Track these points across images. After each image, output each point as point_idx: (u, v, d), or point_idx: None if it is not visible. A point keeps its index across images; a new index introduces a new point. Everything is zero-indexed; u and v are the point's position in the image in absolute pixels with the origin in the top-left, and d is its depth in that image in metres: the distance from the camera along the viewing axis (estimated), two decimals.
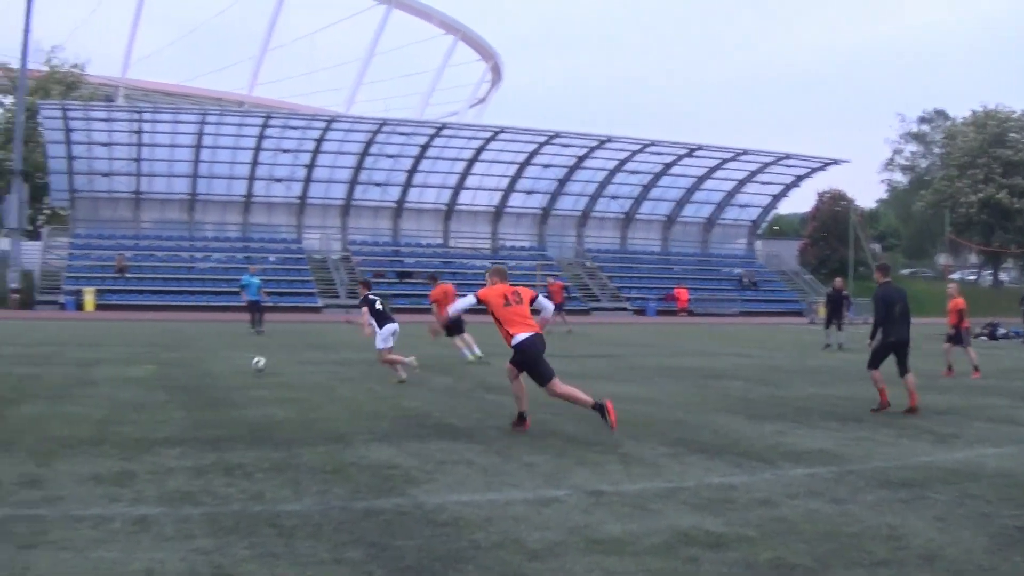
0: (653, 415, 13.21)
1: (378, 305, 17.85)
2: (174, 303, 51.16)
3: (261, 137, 60.60)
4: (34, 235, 66.91)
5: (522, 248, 69.94)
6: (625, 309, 63.18)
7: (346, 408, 13.40)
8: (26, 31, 53.88)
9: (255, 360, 18.55)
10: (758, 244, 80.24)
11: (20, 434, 10.64)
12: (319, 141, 61.66)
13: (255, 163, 62.64)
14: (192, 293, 53.99)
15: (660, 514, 7.37)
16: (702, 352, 27.79)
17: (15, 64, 60.40)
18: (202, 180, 63.51)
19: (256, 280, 34.53)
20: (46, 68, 72.97)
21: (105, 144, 60.09)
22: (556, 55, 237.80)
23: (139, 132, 59.43)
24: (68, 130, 57.92)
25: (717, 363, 23.48)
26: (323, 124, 61.86)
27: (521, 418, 11.80)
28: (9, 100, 69.01)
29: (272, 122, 60.70)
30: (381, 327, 17.33)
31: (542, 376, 11.67)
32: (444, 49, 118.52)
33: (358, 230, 67.78)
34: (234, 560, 5.99)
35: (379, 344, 17.44)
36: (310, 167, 63.71)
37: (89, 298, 51.20)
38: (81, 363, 19.94)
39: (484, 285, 12.25)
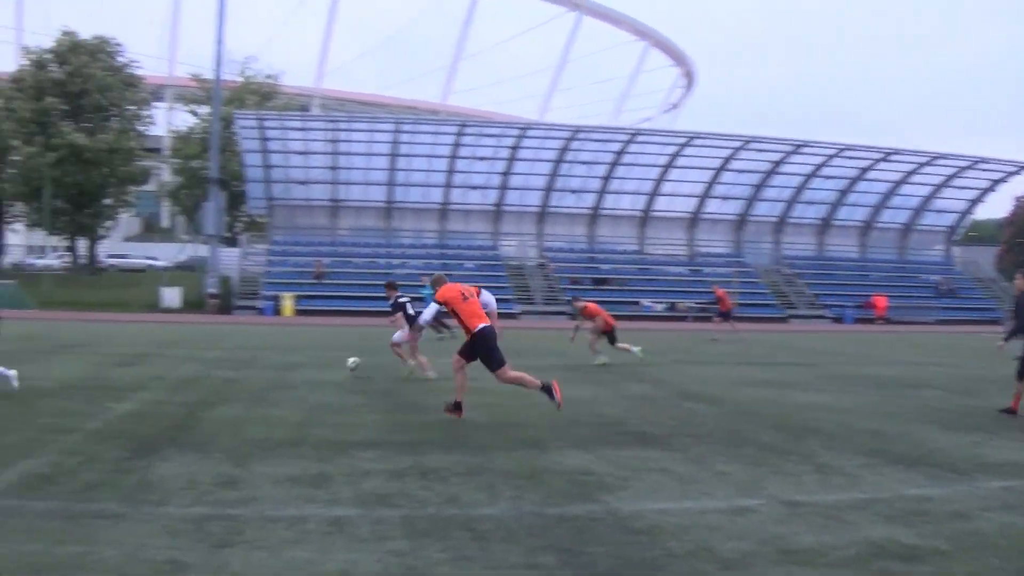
0: (850, 424, 12.97)
1: (409, 309, 19.35)
2: (371, 309, 52.17)
3: (456, 145, 61.43)
4: (232, 242, 69.39)
5: (719, 255, 69.00)
6: (822, 317, 61.65)
7: (541, 414, 13.41)
8: (219, 43, 55.93)
9: (350, 360, 19.39)
10: (955, 250, 77.21)
11: (218, 436, 11.02)
12: (514, 149, 62.12)
13: (451, 171, 63.54)
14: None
15: (854, 526, 7.29)
16: (899, 361, 26.94)
17: (210, 75, 62.79)
18: (398, 188, 64.73)
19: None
20: (241, 79, 75.61)
21: (301, 153, 61.85)
22: (748, 59, 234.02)
23: (335, 141, 60.96)
24: (264, 139, 59.85)
25: (914, 372, 22.90)
26: (517, 132, 62.38)
27: (458, 406, 12.93)
28: (205, 110, 71.69)
29: (467, 130, 61.39)
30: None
31: (495, 362, 12.81)
32: (636, 55, 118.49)
33: (554, 237, 67.95)
34: (428, 563, 6.05)
35: (397, 337, 19.06)
36: (505, 174, 64.25)
37: (288, 303, 52.71)
38: (279, 367, 20.52)
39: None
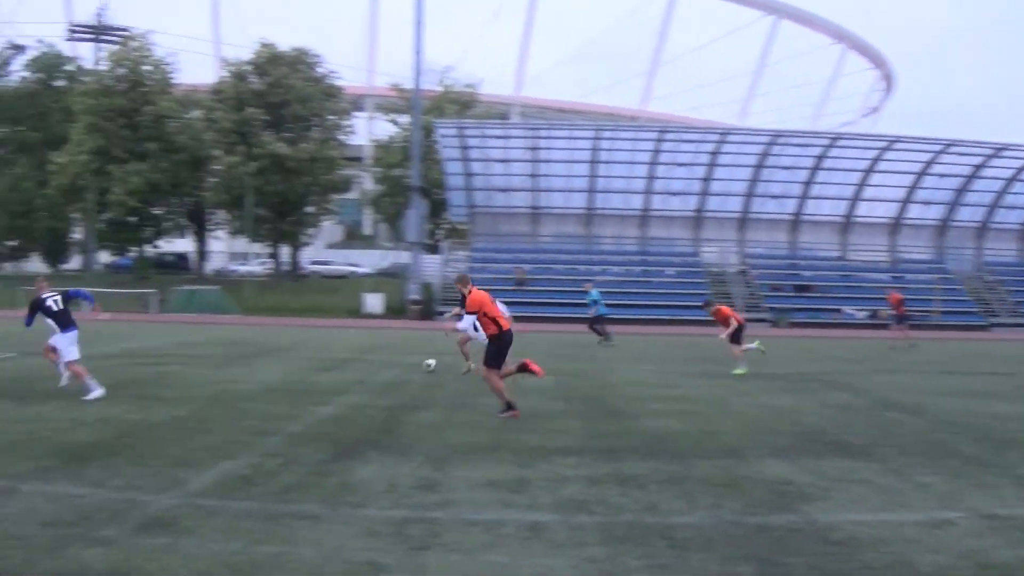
0: None
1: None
2: (572, 316, 52.23)
3: (656, 151, 61.13)
4: (433, 249, 70.53)
5: (920, 261, 66.77)
6: None
7: (741, 422, 13.26)
8: (417, 52, 56.86)
9: (427, 362, 20.38)
10: None
11: (419, 440, 11.18)
12: (713, 154, 61.51)
13: (651, 177, 63.24)
14: (588, 306, 54.74)
15: None
16: None
17: (409, 85, 63.91)
18: (599, 195, 64.77)
19: (596, 293, 35.52)
20: (440, 88, 76.83)
21: (502, 161, 62.53)
22: (948, 60, 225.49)
23: (535, 148, 61.37)
24: (465, 147, 60.74)
25: None
26: (717, 137, 61.76)
27: (510, 406, 13.55)
28: (405, 120, 73.07)
29: (666, 136, 61.05)
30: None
31: (500, 362, 13.77)
32: (834, 58, 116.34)
33: (755, 243, 66.96)
34: (625, 570, 6.01)
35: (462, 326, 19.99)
36: (705, 180, 63.63)
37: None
38: (479, 373, 20.67)
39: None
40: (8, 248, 75.46)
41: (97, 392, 14.61)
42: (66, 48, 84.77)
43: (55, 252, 77.73)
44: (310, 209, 70.89)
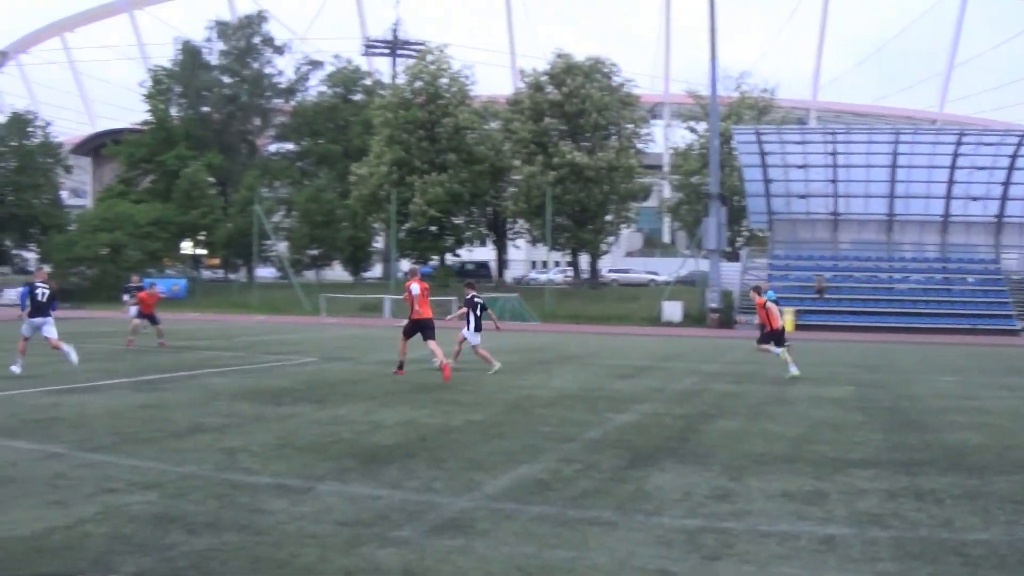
0: None
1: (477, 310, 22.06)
2: (873, 324, 50.80)
3: (955, 155, 58.62)
4: (732, 256, 69.86)
5: None
6: None
7: None
8: (713, 59, 56.53)
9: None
10: None
11: (717, 448, 11.17)
12: (1013, 157, 58.41)
13: (950, 182, 60.70)
14: (891, 315, 53.36)
15: None
16: None
17: (705, 92, 63.54)
18: (899, 200, 62.69)
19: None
20: (736, 94, 76.07)
21: (800, 167, 61.35)
22: None
23: (833, 154, 60.01)
24: (763, 154, 59.94)
25: None
26: (1016, 140, 58.49)
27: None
28: (703, 127, 72.72)
29: (965, 139, 58.43)
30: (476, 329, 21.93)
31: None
32: None
33: None
34: None
35: (473, 340, 21.83)
36: (1006, 184, 60.54)
37: (788, 318, 52.31)
38: (777, 381, 20.42)
39: None
40: (310, 257, 79.26)
41: (17, 368, 18.39)
42: (363, 63, 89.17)
43: (356, 260, 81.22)
44: (609, 217, 71.31)
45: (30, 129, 79.88)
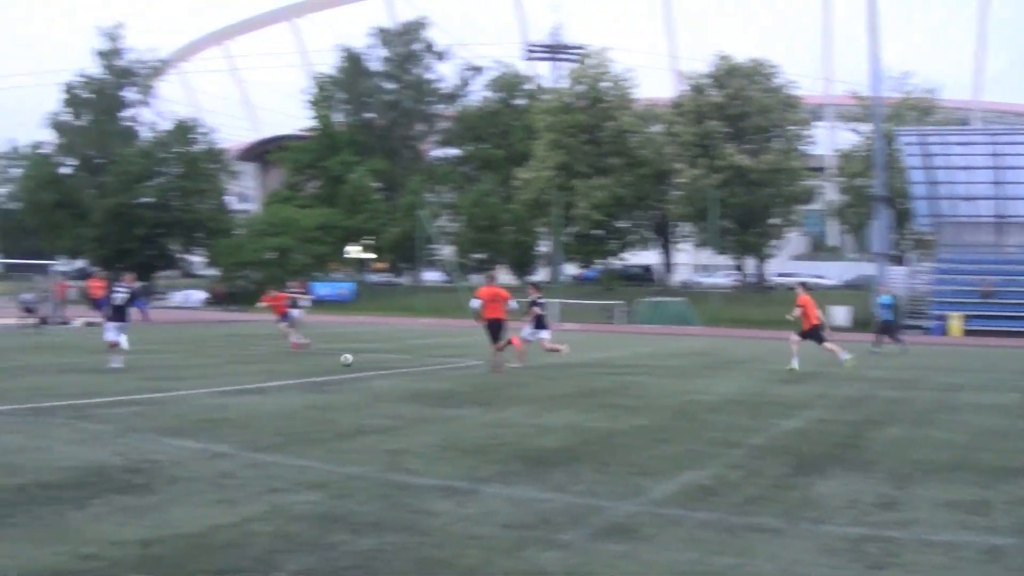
0: None
1: (537, 310, 23.44)
2: None
3: None
4: (899, 260, 68.37)
5: None
6: None
7: None
8: (874, 59, 55.49)
9: (344, 356, 21.94)
10: None
11: (882, 456, 11.08)
12: None
13: None
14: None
15: None
16: None
17: (867, 92, 62.29)
18: None
19: (888, 298, 34.43)
20: (898, 95, 74.36)
21: (963, 168, 59.80)
22: None
23: (997, 155, 58.31)
24: (927, 155, 58.54)
25: None
26: None
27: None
28: (866, 128, 71.32)
29: None
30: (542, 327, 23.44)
31: None
32: None
33: None
34: None
35: (530, 336, 23.27)
36: None
37: (955, 323, 51.13)
38: (944, 388, 20.10)
39: None
40: (475, 260, 79.81)
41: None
42: (524, 67, 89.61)
43: (521, 264, 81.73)
44: (774, 221, 70.44)
45: (194, 136, 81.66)
